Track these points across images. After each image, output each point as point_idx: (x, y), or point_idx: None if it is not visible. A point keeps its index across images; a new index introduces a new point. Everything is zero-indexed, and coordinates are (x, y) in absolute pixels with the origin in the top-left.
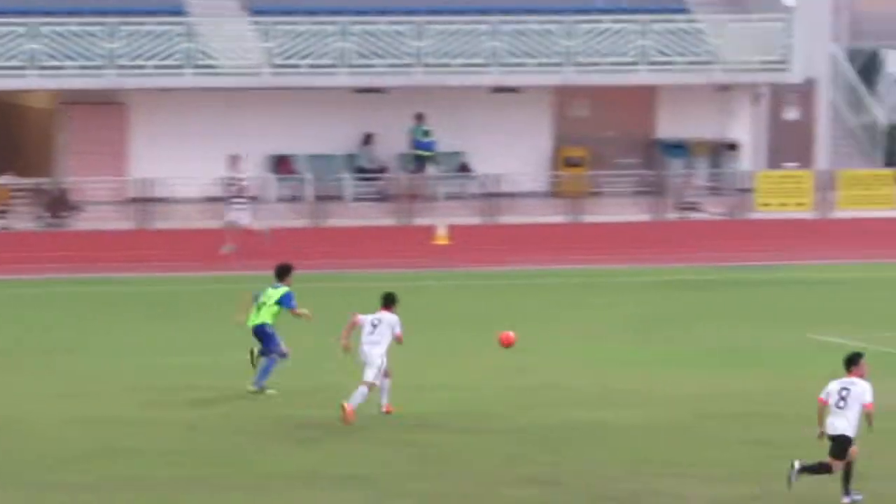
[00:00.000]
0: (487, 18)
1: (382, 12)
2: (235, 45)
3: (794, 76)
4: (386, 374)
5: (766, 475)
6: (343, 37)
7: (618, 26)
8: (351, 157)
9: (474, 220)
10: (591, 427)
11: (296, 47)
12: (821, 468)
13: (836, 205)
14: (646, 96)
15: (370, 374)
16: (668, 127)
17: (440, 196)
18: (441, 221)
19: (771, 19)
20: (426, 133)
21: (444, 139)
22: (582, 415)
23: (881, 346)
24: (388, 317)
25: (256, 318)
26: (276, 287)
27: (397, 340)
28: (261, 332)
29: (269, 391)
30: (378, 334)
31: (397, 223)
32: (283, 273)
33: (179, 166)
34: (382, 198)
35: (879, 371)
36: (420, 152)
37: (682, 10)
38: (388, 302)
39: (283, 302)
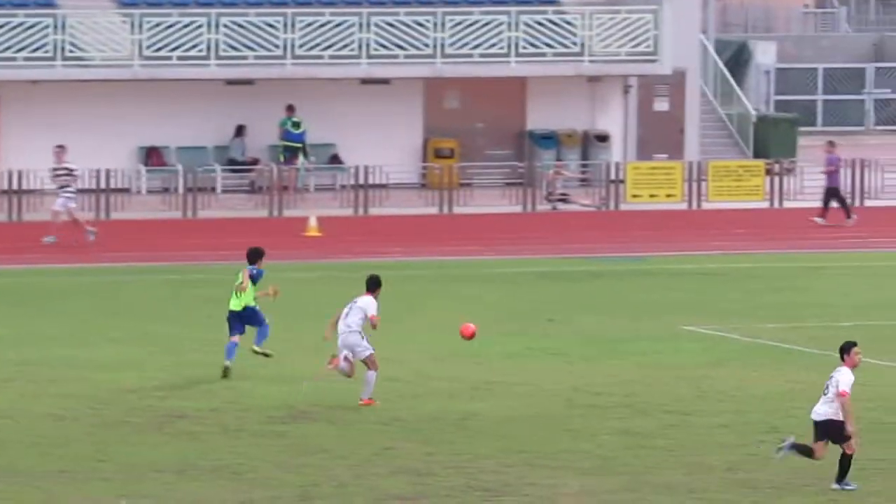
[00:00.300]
0: (358, 10)
1: (252, 4)
2: (106, 37)
3: (664, 67)
4: (370, 366)
5: (636, 466)
6: (213, 29)
7: (488, 18)
8: (222, 149)
9: (345, 212)
10: (464, 418)
11: (166, 39)
12: (805, 450)
13: (707, 196)
14: (516, 88)
15: (360, 355)
16: (539, 118)
17: (311, 188)
18: (312, 213)
19: (640, 11)
20: (297, 125)
21: (315, 131)
22: (455, 406)
23: (753, 337)
24: (363, 300)
25: (239, 303)
26: (251, 269)
27: (372, 325)
28: (250, 312)
29: (269, 353)
30: (351, 318)
31: (268, 215)
32: (255, 256)
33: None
34: (254, 189)
35: (753, 361)
36: (291, 144)
37: (552, 2)
38: (371, 285)
39: (256, 279)
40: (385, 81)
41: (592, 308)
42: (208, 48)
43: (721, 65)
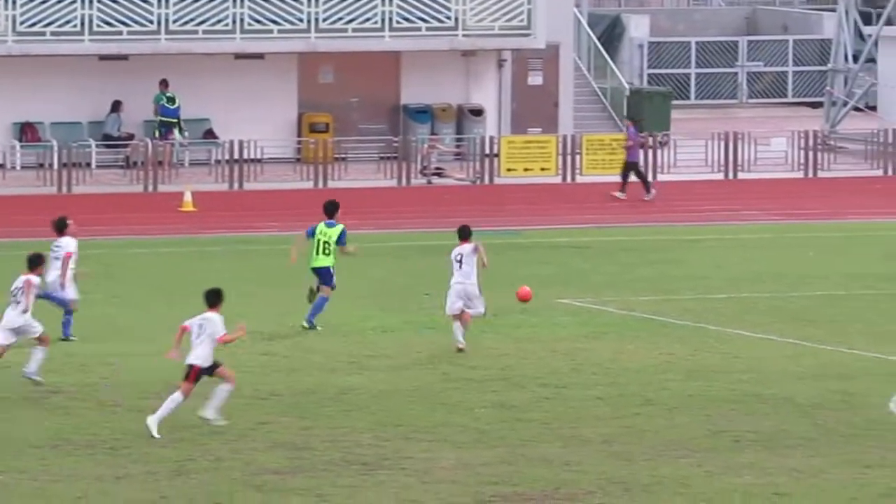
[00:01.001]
0: None
1: None
2: None
3: (538, 42)
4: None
5: (512, 439)
6: (87, 4)
7: None
8: (97, 125)
9: (220, 187)
10: (341, 392)
11: (39, 15)
12: None
13: (581, 169)
14: (390, 62)
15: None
16: (413, 92)
17: (186, 163)
18: (187, 188)
19: None
20: (171, 100)
21: (190, 106)
22: (332, 380)
23: (628, 310)
24: (466, 248)
25: (318, 261)
26: (329, 224)
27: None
28: (325, 273)
29: (319, 328)
30: (466, 268)
31: (143, 190)
32: (332, 209)
33: None
34: (129, 165)
35: (627, 333)
36: (165, 119)
37: None
38: (464, 234)
39: (340, 240)
40: (259, 56)
41: None
42: (82, 24)
43: (594, 39)
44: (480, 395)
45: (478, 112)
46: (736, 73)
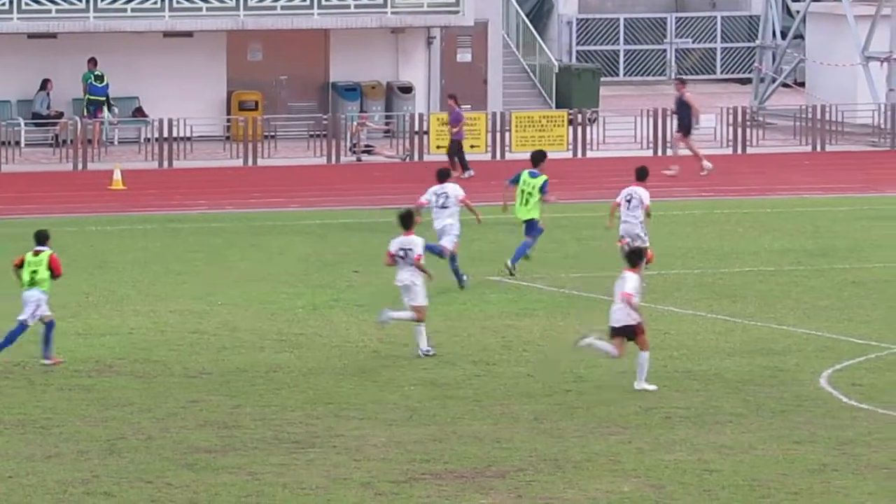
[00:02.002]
0: None
1: None
2: None
3: (466, 19)
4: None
5: (443, 416)
6: None
7: None
8: (26, 103)
9: (150, 165)
10: (271, 370)
11: None
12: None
13: (510, 146)
14: (319, 40)
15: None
16: (342, 70)
17: (115, 141)
18: (117, 166)
19: None
20: (100, 78)
21: (119, 84)
22: (262, 358)
23: (558, 287)
24: (640, 190)
25: (526, 213)
26: (533, 174)
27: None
28: (530, 224)
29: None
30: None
31: (73, 169)
32: (539, 159)
33: None
34: (58, 144)
35: (557, 310)
36: (94, 97)
37: None
38: (640, 175)
39: (543, 190)
40: (188, 34)
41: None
42: (10, 1)
43: (523, 15)
44: (411, 373)
45: (407, 89)
46: (664, 50)
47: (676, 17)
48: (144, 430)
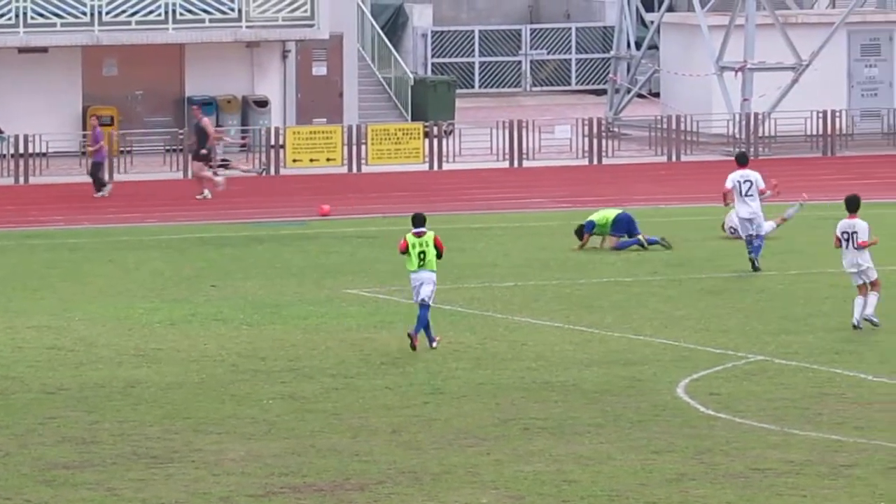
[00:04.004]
0: None
1: None
2: None
3: (321, 32)
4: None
5: (301, 430)
6: None
7: None
8: None
9: (6, 181)
10: (129, 385)
11: None
12: None
13: (367, 159)
14: (174, 54)
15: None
16: (198, 84)
17: None
18: None
19: None
20: None
21: None
22: (119, 373)
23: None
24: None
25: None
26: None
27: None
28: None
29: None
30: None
31: None
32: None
33: None
34: None
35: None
36: None
37: None
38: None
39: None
40: (43, 50)
41: (255, 273)
42: None
43: (378, 28)
44: (269, 387)
45: (263, 103)
46: (520, 62)
47: (531, 29)
48: (2, 447)
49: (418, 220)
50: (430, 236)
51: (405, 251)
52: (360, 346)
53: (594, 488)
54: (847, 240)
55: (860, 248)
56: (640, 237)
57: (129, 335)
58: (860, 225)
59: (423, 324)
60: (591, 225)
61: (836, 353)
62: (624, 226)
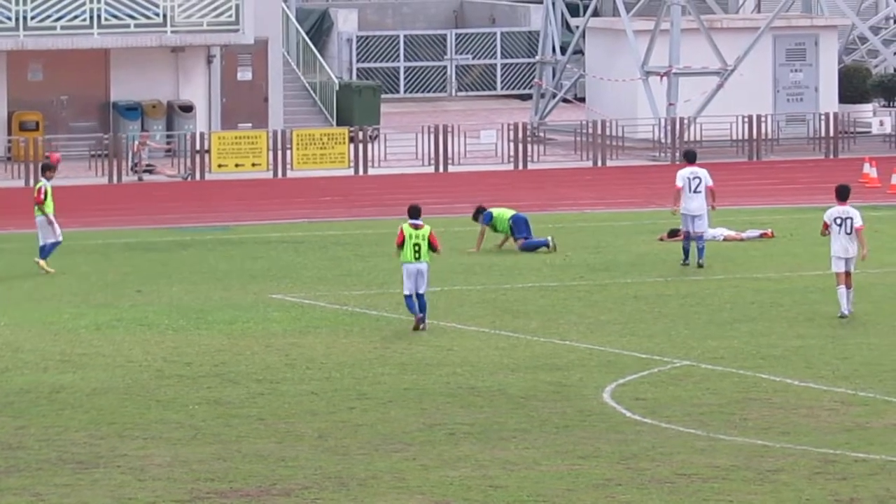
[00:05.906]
0: None
1: None
2: None
3: (246, 37)
4: None
5: (227, 435)
6: None
7: None
8: None
9: None
10: (55, 391)
11: None
12: None
13: (292, 164)
14: (99, 59)
15: None
16: (123, 89)
17: None
18: None
19: None
20: None
21: None
22: (45, 378)
23: (340, 304)
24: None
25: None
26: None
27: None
28: None
29: None
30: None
31: None
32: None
33: None
34: None
35: (340, 328)
36: None
37: None
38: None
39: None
40: None
41: (180, 278)
42: None
43: (303, 33)
44: (195, 392)
45: (188, 108)
46: (445, 67)
47: (456, 34)
48: None
49: (414, 212)
50: (426, 230)
51: (401, 245)
52: (285, 351)
53: (520, 493)
54: (840, 225)
55: (856, 232)
56: (549, 239)
57: (54, 340)
58: (854, 212)
59: (424, 308)
60: (489, 216)
61: (762, 358)
62: (524, 227)
